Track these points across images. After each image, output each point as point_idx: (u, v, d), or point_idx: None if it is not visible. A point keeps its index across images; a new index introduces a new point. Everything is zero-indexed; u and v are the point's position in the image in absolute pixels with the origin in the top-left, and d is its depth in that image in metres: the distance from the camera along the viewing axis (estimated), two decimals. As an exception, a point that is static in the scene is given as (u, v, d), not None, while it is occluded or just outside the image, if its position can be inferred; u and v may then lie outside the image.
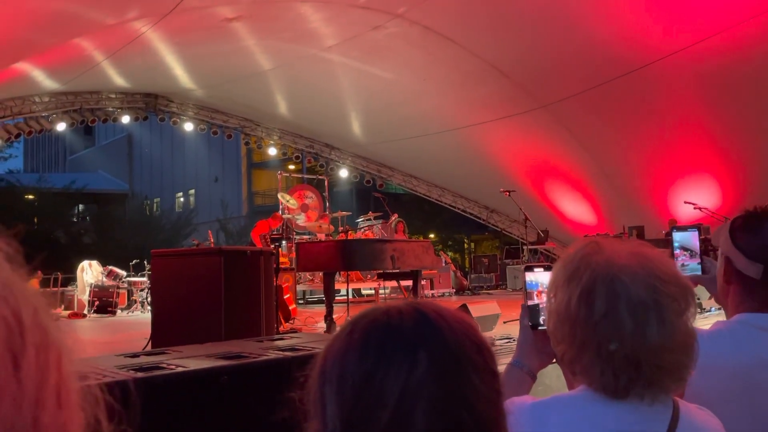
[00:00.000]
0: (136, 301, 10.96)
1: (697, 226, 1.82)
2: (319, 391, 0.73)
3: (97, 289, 10.41)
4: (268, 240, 8.80)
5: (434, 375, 0.68)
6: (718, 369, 1.28)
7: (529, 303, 1.30)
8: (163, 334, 4.87)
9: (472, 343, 0.72)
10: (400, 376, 0.67)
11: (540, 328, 1.27)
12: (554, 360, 1.22)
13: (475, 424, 0.69)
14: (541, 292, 1.30)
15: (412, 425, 0.66)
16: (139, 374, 2.50)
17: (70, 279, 11.86)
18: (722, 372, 1.29)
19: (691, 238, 1.74)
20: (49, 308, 0.51)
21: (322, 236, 10.70)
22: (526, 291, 1.33)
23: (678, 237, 1.74)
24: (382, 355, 0.69)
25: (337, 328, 0.78)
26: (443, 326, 0.71)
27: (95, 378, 0.57)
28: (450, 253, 25.76)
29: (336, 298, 7.93)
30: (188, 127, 14.45)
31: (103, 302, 10.32)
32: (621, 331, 0.97)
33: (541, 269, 1.32)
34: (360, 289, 12.74)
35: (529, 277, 1.33)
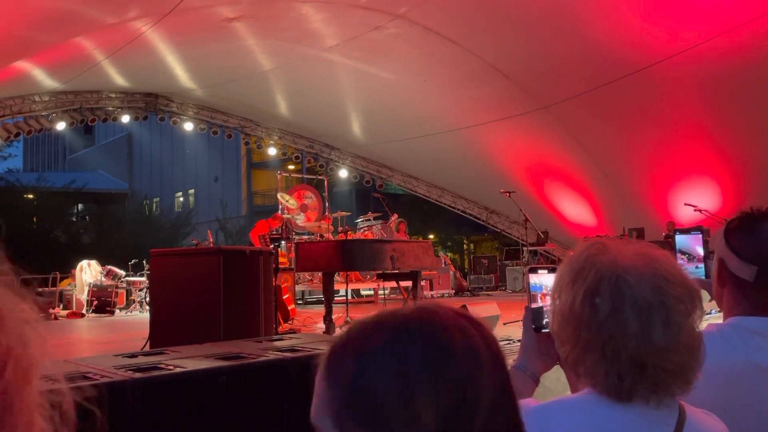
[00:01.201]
0: (134, 301, 10.95)
1: (699, 228, 1.79)
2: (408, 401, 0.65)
3: (95, 289, 10.40)
4: (268, 240, 8.79)
5: (499, 382, 0.69)
6: (709, 373, 1.26)
7: (533, 306, 1.29)
8: (161, 334, 4.86)
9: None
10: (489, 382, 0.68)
11: (543, 330, 1.25)
12: (557, 363, 1.21)
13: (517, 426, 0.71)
14: (545, 295, 1.28)
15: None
16: (137, 375, 2.49)
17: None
18: (713, 376, 1.26)
19: (692, 241, 1.71)
20: (12, 313, 0.50)
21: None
22: (529, 293, 1.31)
23: (679, 240, 1.71)
24: (474, 362, 0.68)
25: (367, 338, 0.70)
26: (488, 333, 0.72)
27: (66, 382, 0.56)
28: (449, 254, 25.75)
29: (335, 298, 7.93)
30: (188, 126, 14.43)
31: (102, 302, 10.31)
32: (626, 332, 0.95)
33: (545, 271, 1.29)
34: (359, 289, 12.73)
35: (533, 279, 1.31)
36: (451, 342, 0.67)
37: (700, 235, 1.71)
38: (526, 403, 1.05)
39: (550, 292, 1.13)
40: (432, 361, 0.66)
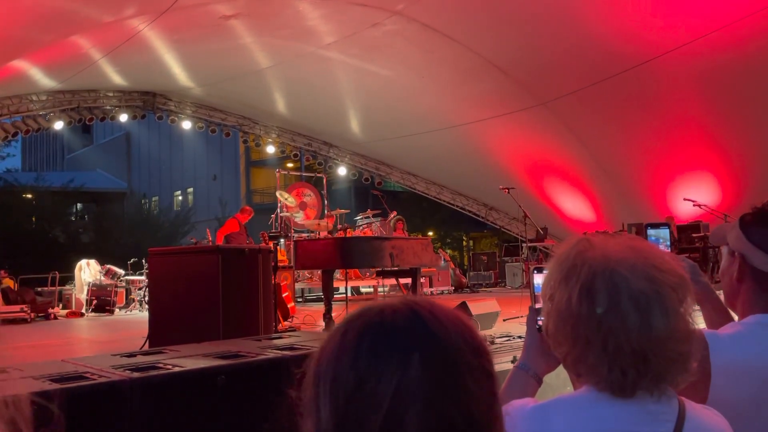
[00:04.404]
0: (134, 300, 10.94)
1: (665, 223, 1.80)
2: (313, 391, 0.72)
3: (95, 288, 10.40)
4: (267, 238, 8.78)
5: (427, 378, 0.67)
6: (746, 373, 1.25)
7: (537, 305, 1.27)
8: (160, 333, 4.85)
9: (467, 343, 0.71)
10: (393, 379, 0.67)
11: None
12: (561, 364, 1.20)
13: (468, 427, 0.68)
14: None
15: (404, 429, 0.66)
16: (135, 374, 2.48)
17: (69, 278, 11.83)
18: (750, 376, 1.25)
19: (665, 236, 1.72)
20: None
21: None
22: (533, 293, 1.30)
23: (662, 234, 1.71)
24: (374, 358, 0.68)
25: (333, 327, 0.77)
26: (437, 326, 0.70)
27: (30, 384, 0.54)
28: (449, 251, 25.75)
29: (335, 296, 7.92)
30: (186, 125, 14.41)
31: (102, 301, 10.30)
32: (626, 325, 0.95)
33: None
34: (359, 287, 12.73)
35: (537, 279, 1.30)
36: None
37: (668, 230, 1.74)
38: (524, 403, 1.04)
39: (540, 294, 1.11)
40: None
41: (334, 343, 0.72)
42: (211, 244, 9.65)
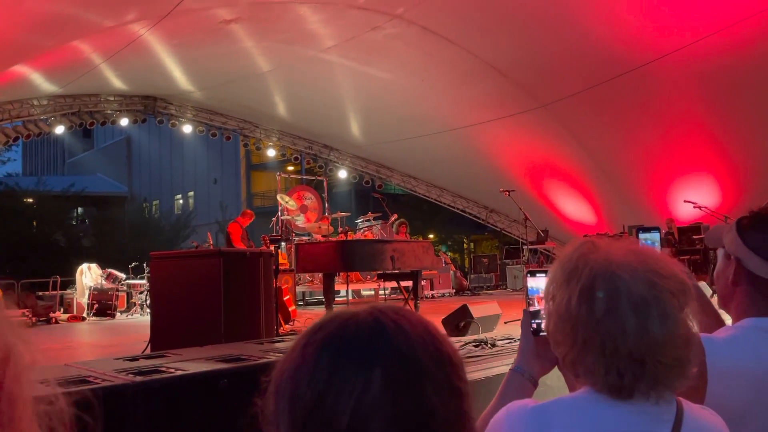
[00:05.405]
0: (135, 304, 10.95)
1: (656, 227, 1.83)
2: (273, 407, 0.69)
3: (96, 292, 10.41)
4: (268, 241, 8.78)
5: (389, 394, 0.64)
6: (743, 376, 1.26)
7: (531, 309, 1.29)
8: (162, 337, 4.86)
9: (433, 356, 0.68)
10: (352, 396, 0.64)
11: (542, 333, 1.25)
12: (556, 366, 1.21)
13: None
14: (541, 298, 1.28)
15: None
16: (138, 378, 2.49)
17: (70, 282, 11.84)
18: (747, 379, 1.26)
19: (656, 239, 1.75)
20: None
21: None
22: (527, 297, 1.31)
23: (654, 237, 1.74)
24: (333, 373, 0.65)
25: (295, 338, 0.74)
26: (401, 339, 0.67)
27: (60, 387, 0.54)
28: (449, 253, 25.75)
29: (336, 299, 7.93)
30: (187, 129, 14.44)
31: (103, 305, 10.31)
32: (624, 328, 0.96)
33: (543, 275, 1.29)
34: (360, 290, 12.72)
35: (531, 282, 1.31)
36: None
37: (658, 233, 1.79)
38: (524, 403, 1.06)
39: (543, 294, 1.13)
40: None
41: (294, 357, 0.69)
42: (212, 247, 9.65)
